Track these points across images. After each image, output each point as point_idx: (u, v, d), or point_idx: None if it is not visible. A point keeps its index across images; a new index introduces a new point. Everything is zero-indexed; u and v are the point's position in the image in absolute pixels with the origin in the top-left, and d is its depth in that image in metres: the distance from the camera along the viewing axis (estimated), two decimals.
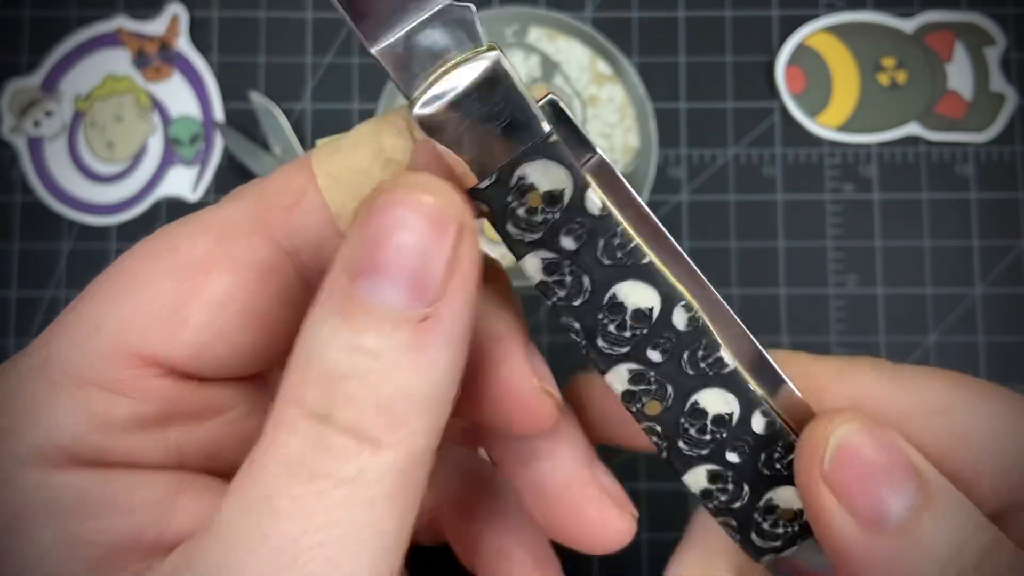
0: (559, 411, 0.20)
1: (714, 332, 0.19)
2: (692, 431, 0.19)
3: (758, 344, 0.19)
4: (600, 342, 0.19)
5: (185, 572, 0.15)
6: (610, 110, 0.39)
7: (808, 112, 0.39)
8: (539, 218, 0.18)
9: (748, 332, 0.19)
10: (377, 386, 0.16)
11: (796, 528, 0.19)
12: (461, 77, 0.17)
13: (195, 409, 0.19)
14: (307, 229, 0.19)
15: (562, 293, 0.18)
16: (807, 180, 0.39)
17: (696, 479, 0.19)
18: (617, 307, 0.18)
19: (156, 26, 0.40)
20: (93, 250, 0.39)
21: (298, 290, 0.19)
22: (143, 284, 0.18)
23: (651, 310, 0.18)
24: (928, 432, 0.19)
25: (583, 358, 0.19)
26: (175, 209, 0.39)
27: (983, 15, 0.39)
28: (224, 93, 0.39)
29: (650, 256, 0.18)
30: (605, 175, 0.18)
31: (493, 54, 0.17)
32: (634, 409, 0.19)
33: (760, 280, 0.38)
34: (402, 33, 0.18)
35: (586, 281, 0.18)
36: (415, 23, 0.17)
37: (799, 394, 0.19)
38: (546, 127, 0.17)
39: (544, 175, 0.18)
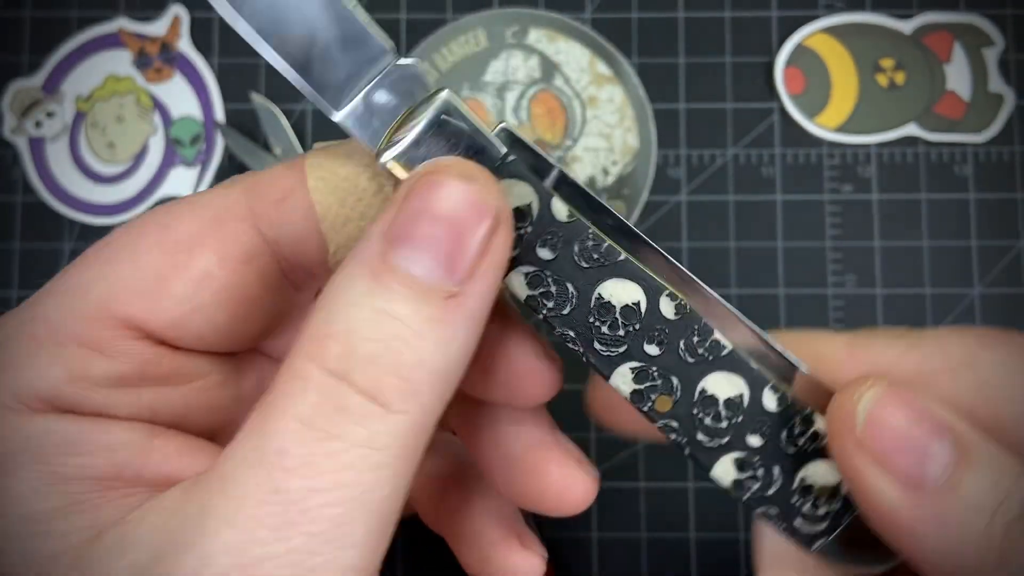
0: (561, 377, 0.21)
1: (703, 316, 0.19)
2: (708, 420, 0.19)
3: (752, 324, 0.19)
4: (597, 345, 0.19)
5: (191, 518, 0.16)
6: (610, 111, 0.39)
7: (807, 113, 0.39)
8: (513, 236, 0.18)
9: (739, 314, 0.19)
10: (399, 353, 0.16)
11: (838, 506, 0.19)
12: (417, 121, 0.18)
13: (168, 374, 0.20)
14: (291, 224, 0.20)
15: (550, 304, 0.19)
16: (806, 180, 0.39)
17: (725, 471, 0.19)
18: (606, 307, 0.19)
19: (157, 27, 0.40)
20: None
21: (276, 278, 0.20)
22: (132, 254, 0.19)
23: (638, 304, 0.19)
24: (956, 388, 0.19)
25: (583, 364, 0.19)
26: None
27: (981, 16, 0.39)
28: (225, 94, 0.39)
29: (624, 253, 0.19)
30: (567, 186, 0.19)
31: (443, 94, 0.18)
32: (646, 409, 0.19)
33: (759, 280, 0.38)
34: (359, 96, 0.19)
35: (570, 287, 0.19)
36: (369, 86, 0.19)
37: (805, 368, 0.19)
38: (503, 149, 0.19)
39: (508, 194, 0.19)
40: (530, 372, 0.21)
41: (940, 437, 0.17)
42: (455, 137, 0.18)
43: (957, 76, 0.39)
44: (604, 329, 0.19)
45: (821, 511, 0.19)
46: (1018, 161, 0.39)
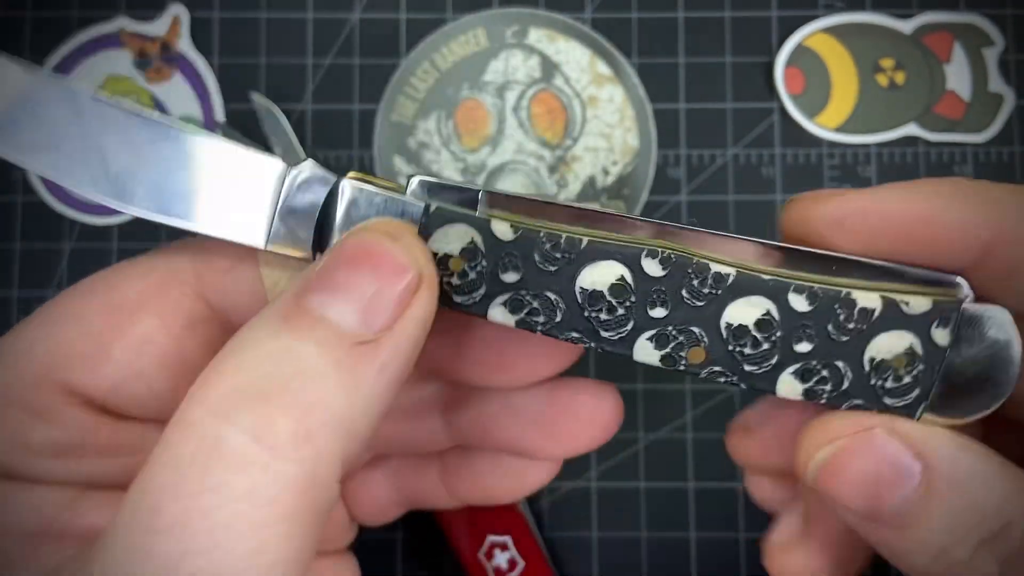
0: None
1: (693, 255, 0.18)
2: (747, 349, 0.18)
3: (746, 237, 0.19)
4: (605, 334, 0.18)
5: None
6: (610, 111, 0.39)
7: (807, 113, 0.39)
8: (472, 276, 0.18)
9: (729, 234, 0.19)
10: (296, 393, 0.15)
11: (921, 366, 0.18)
12: (334, 215, 0.19)
13: (108, 444, 0.19)
14: (238, 294, 0.20)
15: (541, 319, 0.19)
16: (806, 180, 0.39)
17: (791, 387, 0.19)
18: (594, 296, 0.18)
19: (157, 27, 0.40)
20: (94, 250, 0.39)
21: (220, 345, 0.20)
22: (76, 317, 0.19)
23: (622, 277, 0.18)
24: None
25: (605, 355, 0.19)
26: None
27: (981, 16, 0.39)
28: (225, 94, 0.39)
29: (584, 236, 0.18)
30: (497, 200, 0.19)
31: (344, 184, 0.19)
32: (683, 368, 0.18)
33: None
34: (275, 219, 0.19)
35: (552, 296, 0.18)
36: (277, 207, 0.19)
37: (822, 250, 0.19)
38: (421, 203, 0.19)
39: (448, 240, 0.19)
40: (551, 355, 0.20)
41: (897, 478, 0.17)
42: (373, 214, 0.19)
43: (957, 76, 0.39)
44: (603, 316, 0.18)
45: (906, 379, 0.18)
46: (1018, 161, 0.39)
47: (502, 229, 0.18)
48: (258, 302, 0.19)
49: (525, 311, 0.19)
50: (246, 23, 0.40)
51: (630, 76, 0.39)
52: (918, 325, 0.18)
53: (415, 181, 0.19)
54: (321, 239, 0.19)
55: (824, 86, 0.39)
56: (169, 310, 0.19)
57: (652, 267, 0.18)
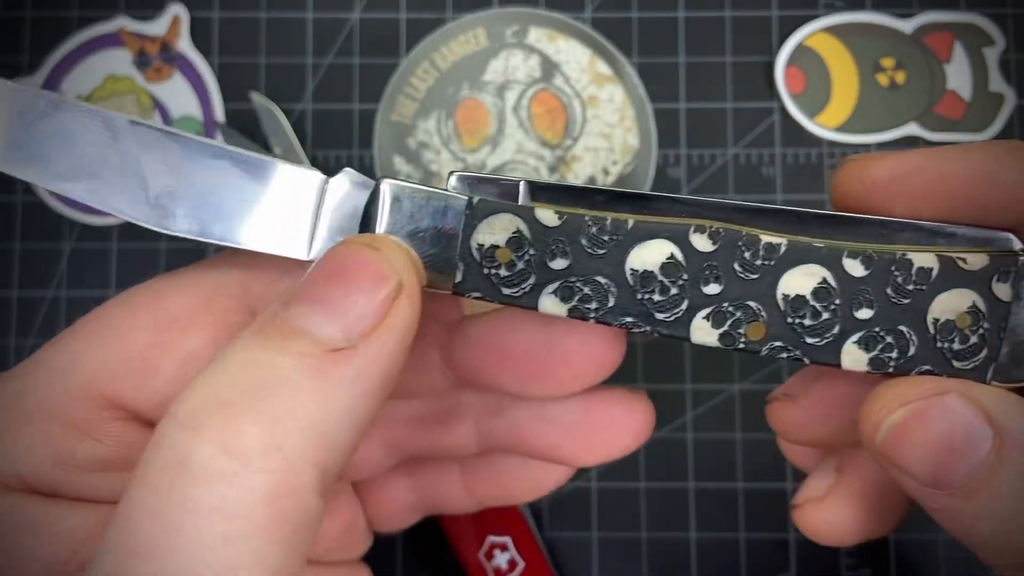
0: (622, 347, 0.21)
1: (741, 227, 0.18)
2: (807, 320, 0.18)
3: (794, 208, 0.18)
4: (660, 316, 0.18)
5: None
6: (610, 110, 0.39)
7: (807, 112, 0.39)
8: (520, 265, 0.18)
9: (775, 206, 0.18)
10: (264, 401, 0.14)
11: (986, 324, 0.18)
12: (377, 216, 0.19)
13: None
14: None
15: (594, 305, 0.18)
16: (806, 180, 0.39)
17: (855, 359, 0.18)
18: (646, 277, 0.18)
19: (157, 26, 0.40)
20: (94, 250, 0.39)
21: None
22: (123, 330, 0.19)
23: (672, 256, 0.18)
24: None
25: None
26: None
27: (982, 15, 0.39)
28: (225, 93, 0.39)
29: (630, 217, 0.18)
30: (541, 191, 0.19)
31: (384, 186, 0.19)
32: (742, 345, 0.18)
33: None
34: (320, 231, 0.19)
35: (602, 280, 0.18)
36: (321, 218, 0.19)
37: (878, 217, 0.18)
38: (464, 196, 0.19)
39: (493, 231, 0.18)
40: (591, 360, 0.20)
41: (968, 446, 0.17)
42: (416, 211, 0.19)
43: (957, 76, 0.39)
44: (657, 297, 0.18)
45: (973, 340, 0.18)
46: None
47: (547, 216, 0.18)
48: None
49: (577, 298, 0.18)
50: (246, 23, 0.40)
51: (630, 76, 0.39)
52: (978, 281, 0.18)
53: (454, 177, 0.19)
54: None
55: (824, 86, 0.39)
56: (216, 324, 0.19)
57: (701, 242, 0.18)
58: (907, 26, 0.39)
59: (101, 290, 0.38)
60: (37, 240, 0.39)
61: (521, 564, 0.35)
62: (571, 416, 0.22)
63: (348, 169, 0.19)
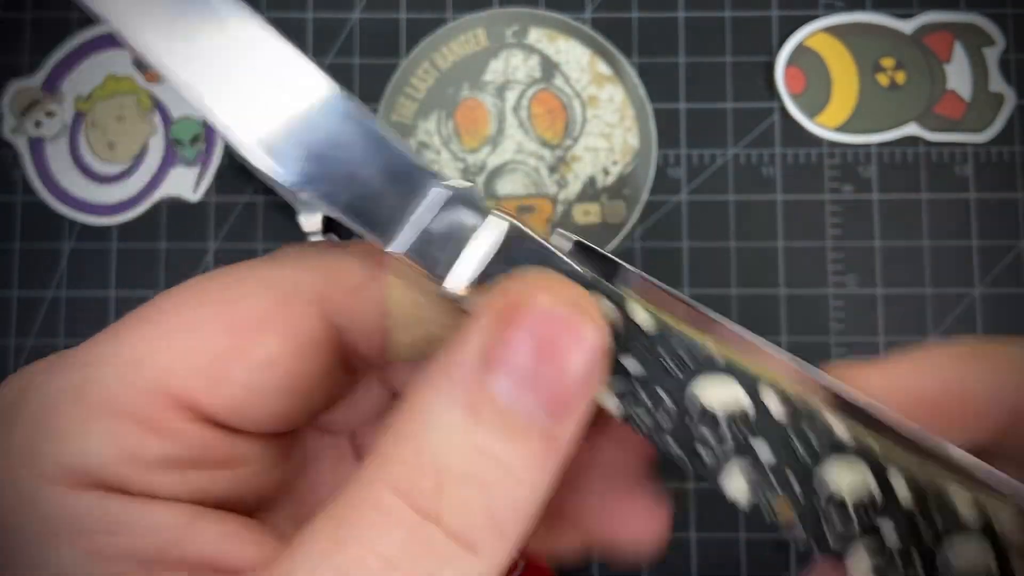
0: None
1: (817, 408, 0.16)
2: (837, 523, 0.16)
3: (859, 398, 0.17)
4: (707, 459, 0.17)
5: None
6: (610, 110, 0.39)
7: (807, 112, 0.39)
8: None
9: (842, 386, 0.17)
10: (494, 496, 0.15)
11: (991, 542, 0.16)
12: (479, 249, 0.18)
13: (221, 457, 0.19)
14: (362, 314, 0.19)
15: (649, 422, 0.17)
16: (806, 180, 0.39)
17: (862, 565, 0.17)
18: (709, 416, 0.17)
19: None
20: (94, 250, 0.39)
21: (335, 364, 0.19)
22: (194, 330, 0.18)
23: (740, 406, 0.17)
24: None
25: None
26: (176, 209, 0.39)
27: (982, 15, 0.39)
28: None
29: (707, 344, 0.17)
30: (647, 288, 0.18)
31: (504, 223, 0.18)
32: (767, 520, 0.17)
33: (759, 280, 0.38)
34: (415, 228, 0.18)
35: (666, 399, 0.17)
36: (424, 217, 0.18)
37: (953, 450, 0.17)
38: (575, 266, 0.17)
39: None
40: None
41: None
42: (522, 260, 0.17)
43: (957, 76, 0.39)
44: (709, 438, 0.17)
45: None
46: (1019, 161, 0.39)
47: (641, 314, 0.17)
48: (378, 324, 0.19)
49: (638, 408, 0.17)
50: None
51: (630, 76, 0.39)
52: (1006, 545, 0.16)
53: (557, 234, 0.18)
54: (451, 266, 0.18)
55: (824, 86, 0.39)
56: (292, 331, 0.18)
57: (773, 403, 0.17)
58: (907, 26, 0.39)
59: (101, 290, 0.38)
60: (37, 240, 0.39)
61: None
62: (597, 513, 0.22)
63: (472, 185, 0.18)
